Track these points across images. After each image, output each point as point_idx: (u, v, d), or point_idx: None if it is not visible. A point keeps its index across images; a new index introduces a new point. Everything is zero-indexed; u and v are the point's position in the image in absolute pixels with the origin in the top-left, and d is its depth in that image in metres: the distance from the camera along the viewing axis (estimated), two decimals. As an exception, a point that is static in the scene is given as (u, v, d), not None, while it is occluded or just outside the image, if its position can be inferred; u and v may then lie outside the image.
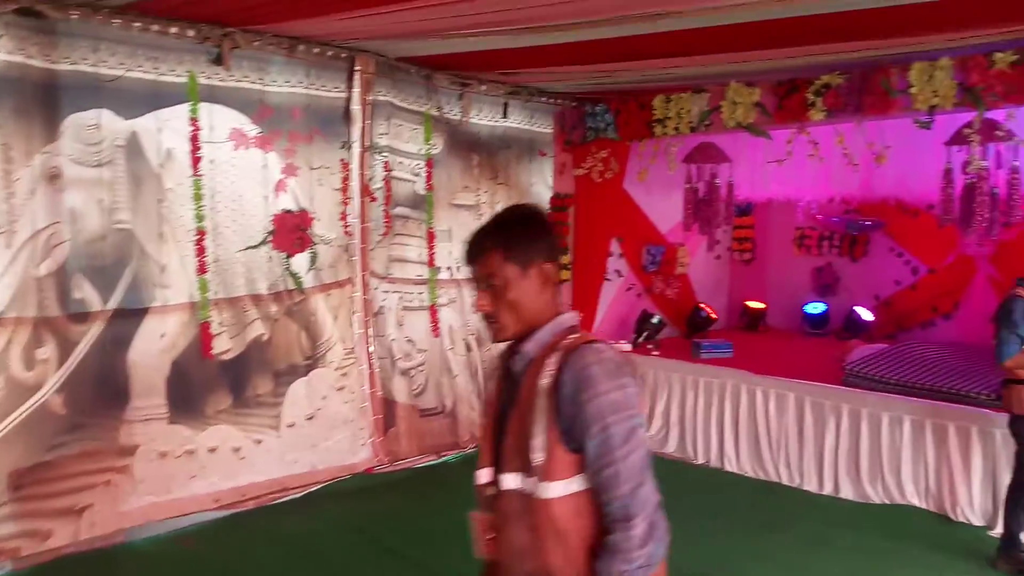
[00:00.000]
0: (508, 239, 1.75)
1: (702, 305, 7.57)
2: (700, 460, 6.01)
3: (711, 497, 5.25)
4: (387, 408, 5.75)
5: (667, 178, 6.21)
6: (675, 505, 4.97)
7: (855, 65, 4.78)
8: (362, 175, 5.49)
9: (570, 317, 1.82)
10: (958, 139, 4.50)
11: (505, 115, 6.41)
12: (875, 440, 5.11)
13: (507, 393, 1.82)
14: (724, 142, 6.06)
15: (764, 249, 8.57)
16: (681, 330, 7.62)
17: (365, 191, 5.53)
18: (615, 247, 6.91)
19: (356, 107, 5.43)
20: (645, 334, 6.88)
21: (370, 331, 5.60)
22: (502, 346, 1.89)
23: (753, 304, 8.18)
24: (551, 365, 1.68)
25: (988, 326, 7.23)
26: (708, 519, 4.82)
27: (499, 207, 6.62)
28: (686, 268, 7.67)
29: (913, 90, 4.52)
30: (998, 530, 4.46)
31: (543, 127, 6.88)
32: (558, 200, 6.69)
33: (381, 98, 5.58)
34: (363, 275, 5.53)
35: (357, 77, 5.38)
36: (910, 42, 4.18)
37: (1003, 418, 4.54)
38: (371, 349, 5.60)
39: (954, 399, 4.92)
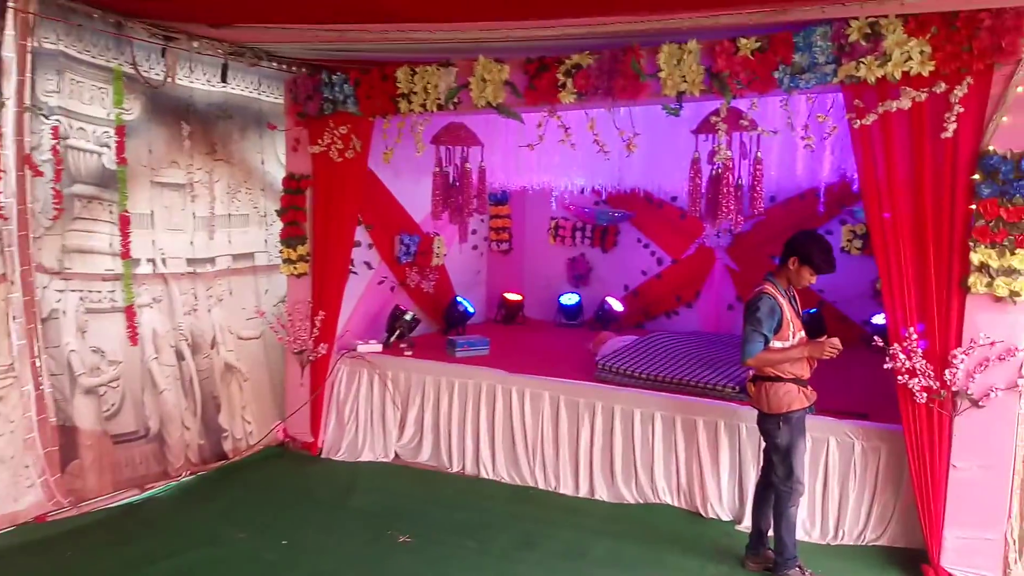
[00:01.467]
0: None
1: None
2: (455, 468, 5.52)
3: (467, 512, 4.76)
4: (65, 437, 4.57)
5: (418, 160, 5.61)
6: (429, 527, 4.44)
7: (605, 45, 4.49)
8: (20, 142, 4.25)
9: None
10: (706, 127, 4.37)
11: (224, 79, 5.40)
12: (628, 438, 4.92)
13: None
14: (476, 123, 5.59)
15: (521, 239, 8.37)
16: (439, 325, 7.13)
17: (26, 162, 4.30)
18: (363, 236, 6.21)
19: (10, 55, 4.20)
20: (398, 332, 6.26)
21: (37, 341, 4.38)
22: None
23: (511, 296, 7.91)
24: None
25: (726, 315, 7.64)
26: (463, 539, 4.34)
27: (219, 186, 5.67)
28: (443, 259, 7.18)
29: (662, 74, 4.31)
30: (745, 524, 4.44)
31: (273, 96, 5.99)
32: (292, 181, 5.82)
33: (49, 46, 4.38)
34: (24, 270, 4.30)
35: (11, 17, 4.15)
36: (658, 18, 3.92)
37: (748, 411, 4.52)
38: (38, 364, 4.39)
39: (702, 393, 4.85)
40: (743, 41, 4.09)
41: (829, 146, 5.50)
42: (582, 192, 7.45)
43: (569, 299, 7.79)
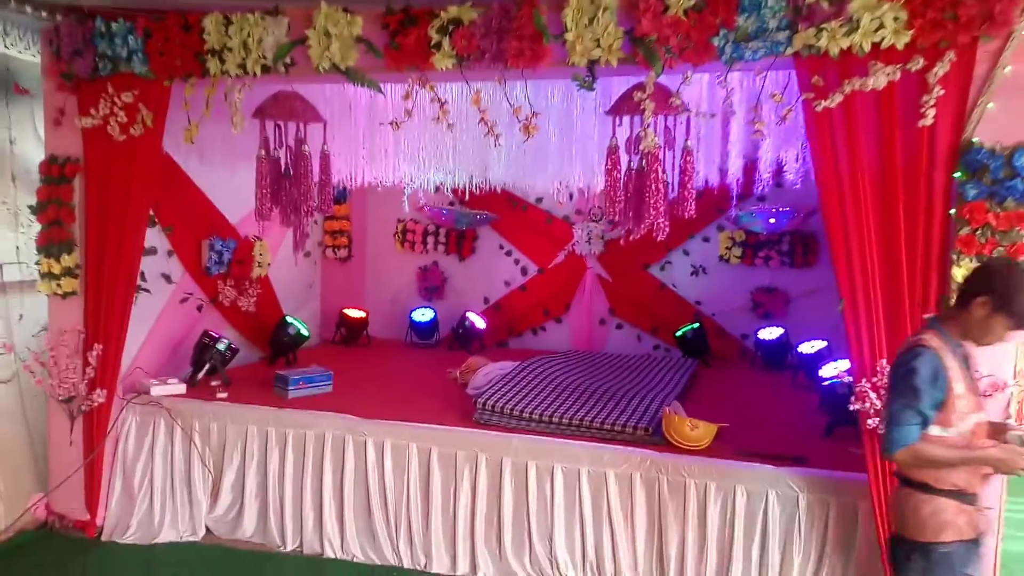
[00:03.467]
0: None
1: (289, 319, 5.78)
2: (290, 546, 4.23)
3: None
4: None
5: (236, 141, 4.28)
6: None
7: (493, -4, 3.46)
8: None
9: None
10: (628, 107, 3.42)
11: (-53, 21, 3.78)
12: (521, 499, 3.90)
13: None
14: (314, 94, 4.32)
15: (362, 245, 7.14)
16: (264, 353, 5.77)
17: None
18: (159, 240, 4.75)
19: None
20: (208, 367, 4.82)
21: None
22: None
23: (352, 312, 6.65)
24: None
25: (599, 331, 6.85)
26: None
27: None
28: (267, 269, 5.80)
29: (568, 36, 3.34)
30: (669, 602, 3.60)
31: (25, 51, 4.37)
32: (55, 167, 4.24)
33: None
34: None
35: None
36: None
37: (671, 459, 3.69)
38: None
39: (609, 436, 3.94)
40: (673, -3, 3.21)
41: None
42: (437, 190, 6.38)
43: (423, 315, 6.66)
